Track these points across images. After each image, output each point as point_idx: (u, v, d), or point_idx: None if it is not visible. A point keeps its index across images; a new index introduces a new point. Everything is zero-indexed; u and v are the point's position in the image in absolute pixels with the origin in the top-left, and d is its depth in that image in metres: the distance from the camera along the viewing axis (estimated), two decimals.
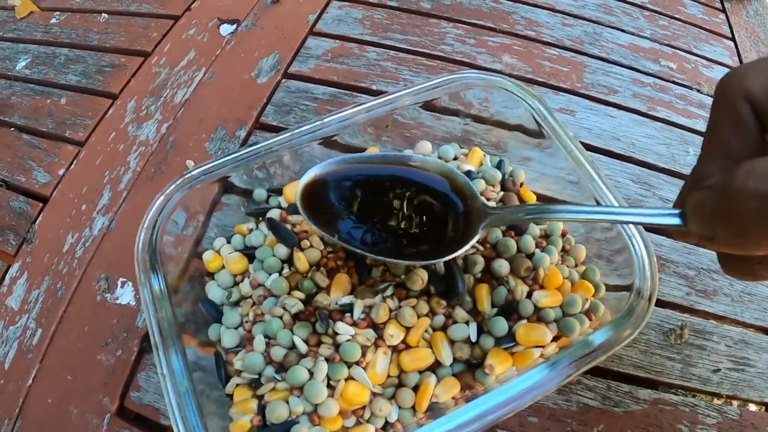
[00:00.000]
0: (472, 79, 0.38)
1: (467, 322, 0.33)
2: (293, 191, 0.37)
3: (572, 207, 0.27)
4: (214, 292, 0.37)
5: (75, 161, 0.49)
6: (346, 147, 0.40)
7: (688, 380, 0.39)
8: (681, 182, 0.47)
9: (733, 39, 0.61)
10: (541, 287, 0.35)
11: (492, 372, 0.32)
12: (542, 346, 0.33)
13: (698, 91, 0.55)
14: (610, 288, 0.36)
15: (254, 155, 0.36)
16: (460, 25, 0.56)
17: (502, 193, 0.39)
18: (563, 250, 0.38)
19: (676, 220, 0.22)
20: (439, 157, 0.42)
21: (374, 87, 0.51)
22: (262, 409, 0.31)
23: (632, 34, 0.58)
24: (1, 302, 0.43)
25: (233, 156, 0.36)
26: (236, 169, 0.37)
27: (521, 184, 0.42)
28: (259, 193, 0.40)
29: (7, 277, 0.45)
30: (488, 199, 0.38)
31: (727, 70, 0.56)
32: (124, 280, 0.43)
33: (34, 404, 0.39)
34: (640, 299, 0.32)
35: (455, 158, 0.42)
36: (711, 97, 0.53)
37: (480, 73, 0.38)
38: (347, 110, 0.38)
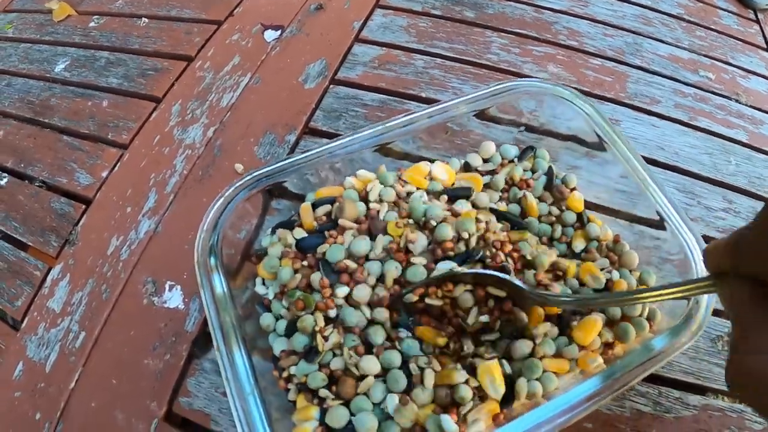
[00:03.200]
0: (531, 87, 0.39)
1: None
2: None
3: (609, 295, 0.32)
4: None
5: (119, 163, 0.49)
6: (400, 154, 0.40)
7: None
8: (724, 191, 0.48)
9: None
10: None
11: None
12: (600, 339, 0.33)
13: (737, 101, 0.55)
14: None
15: (316, 159, 0.36)
16: (504, 34, 0.56)
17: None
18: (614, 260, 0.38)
19: (711, 289, 0.23)
20: (502, 156, 0.42)
21: (423, 94, 0.51)
22: (323, 416, 0.31)
23: (671, 44, 0.58)
24: (42, 304, 0.43)
25: (293, 159, 0.36)
26: (295, 173, 0.37)
27: (573, 189, 0.42)
28: (311, 199, 0.40)
29: (49, 278, 0.44)
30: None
31: (763, 80, 0.58)
32: (172, 283, 0.42)
33: (76, 407, 0.39)
34: (698, 307, 0.32)
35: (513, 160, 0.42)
36: (749, 107, 0.55)
37: (539, 81, 0.39)
38: (406, 116, 0.38)
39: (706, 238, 0.45)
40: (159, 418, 0.37)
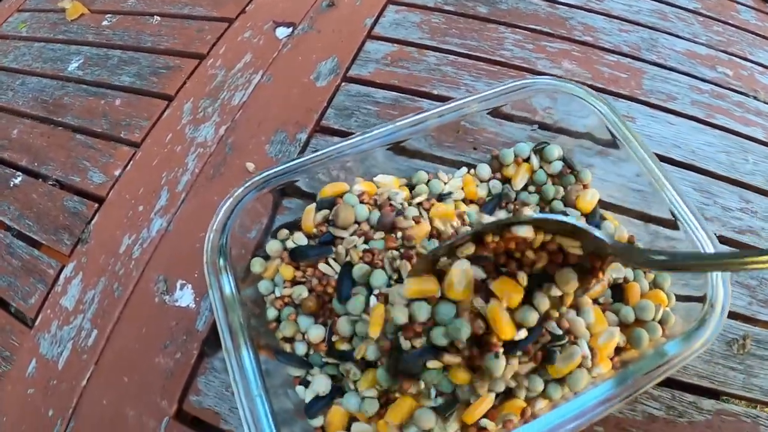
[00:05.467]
0: (544, 84, 0.38)
1: None
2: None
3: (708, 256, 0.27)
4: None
5: (131, 162, 0.49)
6: (411, 152, 0.40)
7: (750, 391, 0.38)
8: (741, 191, 0.47)
9: None
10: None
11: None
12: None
13: (755, 98, 0.54)
14: (679, 298, 0.36)
15: (326, 158, 0.36)
16: (518, 30, 0.55)
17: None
18: None
19: None
20: (516, 155, 0.41)
21: (435, 92, 0.51)
22: None
23: (688, 40, 0.57)
24: (55, 302, 0.44)
25: (303, 160, 0.36)
26: (306, 173, 0.36)
27: (585, 186, 0.41)
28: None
29: (62, 276, 0.45)
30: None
31: None
32: (184, 282, 0.42)
33: (88, 405, 0.39)
34: (713, 311, 0.32)
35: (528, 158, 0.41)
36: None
37: (552, 79, 0.38)
38: (417, 115, 0.37)
39: (722, 239, 0.45)
40: (170, 416, 0.37)
